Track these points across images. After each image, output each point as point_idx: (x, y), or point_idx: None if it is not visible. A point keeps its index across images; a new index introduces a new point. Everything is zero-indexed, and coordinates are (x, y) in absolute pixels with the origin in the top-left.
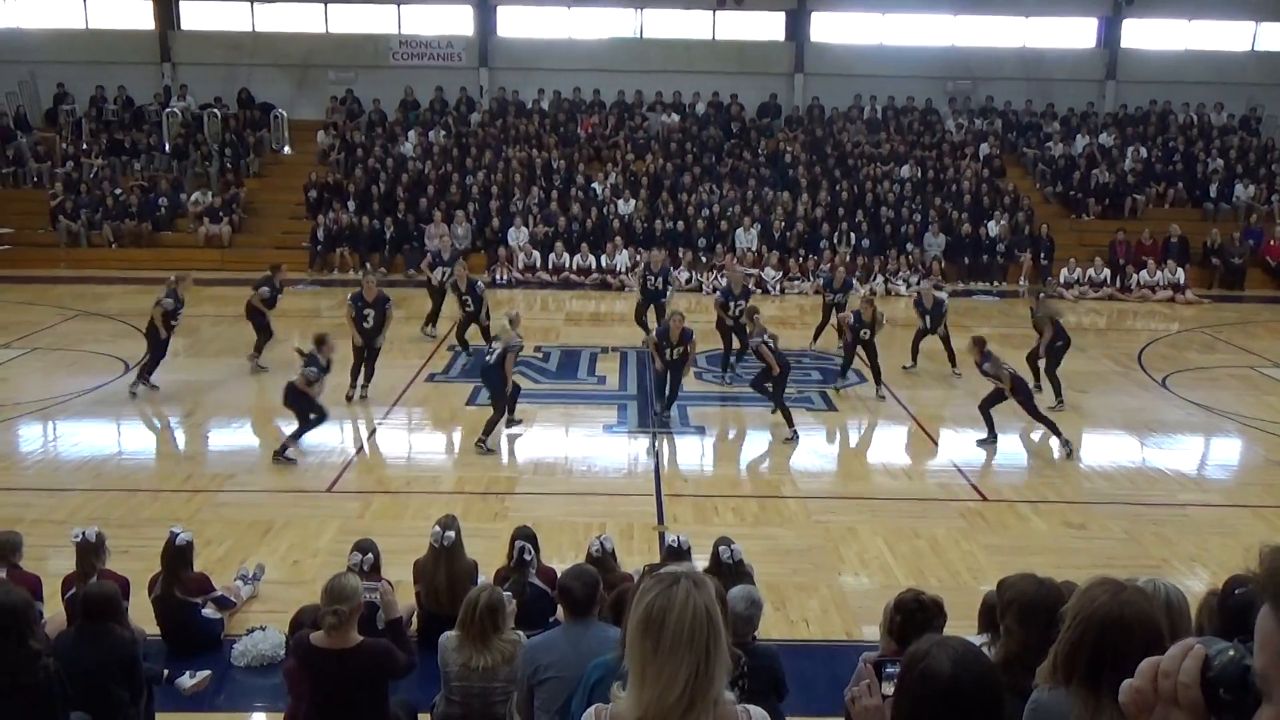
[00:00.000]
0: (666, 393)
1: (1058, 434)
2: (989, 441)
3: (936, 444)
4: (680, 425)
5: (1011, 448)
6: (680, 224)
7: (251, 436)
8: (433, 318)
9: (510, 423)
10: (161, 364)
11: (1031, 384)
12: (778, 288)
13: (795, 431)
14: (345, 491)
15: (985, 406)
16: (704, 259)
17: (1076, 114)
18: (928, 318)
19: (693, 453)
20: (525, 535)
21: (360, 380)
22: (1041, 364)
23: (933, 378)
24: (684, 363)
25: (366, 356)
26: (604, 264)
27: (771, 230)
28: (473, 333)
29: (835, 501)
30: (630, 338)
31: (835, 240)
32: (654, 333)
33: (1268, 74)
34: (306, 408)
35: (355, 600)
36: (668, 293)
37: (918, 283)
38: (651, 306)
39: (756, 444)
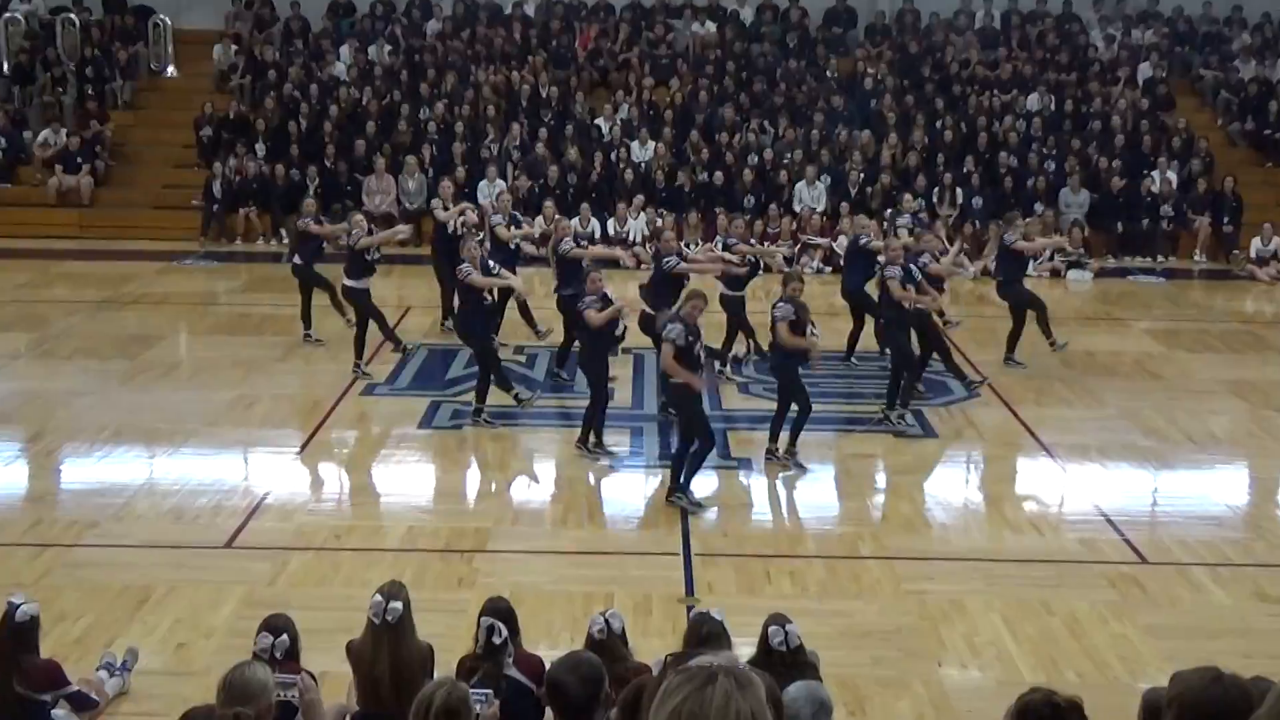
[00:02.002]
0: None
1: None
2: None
3: (1077, 484)
4: (718, 458)
5: (1180, 488)
6: (718, 175)
7: (122, 469)
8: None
9: (595, 445)
10: None
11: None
12: None
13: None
14: (250, 547)
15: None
16: (751, 225)
17: (1274, 22)
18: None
19: (735, 495)
20: (497, 610)
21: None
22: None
23: (1072, 390)
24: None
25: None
26: (612, 230)
27: (846, 184)
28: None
29: (934, 564)
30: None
31: (935, 198)
32: (669, 327)
33: None
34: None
35: (264, 699)
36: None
37: (1050, 256)
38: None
39: (823, 483)
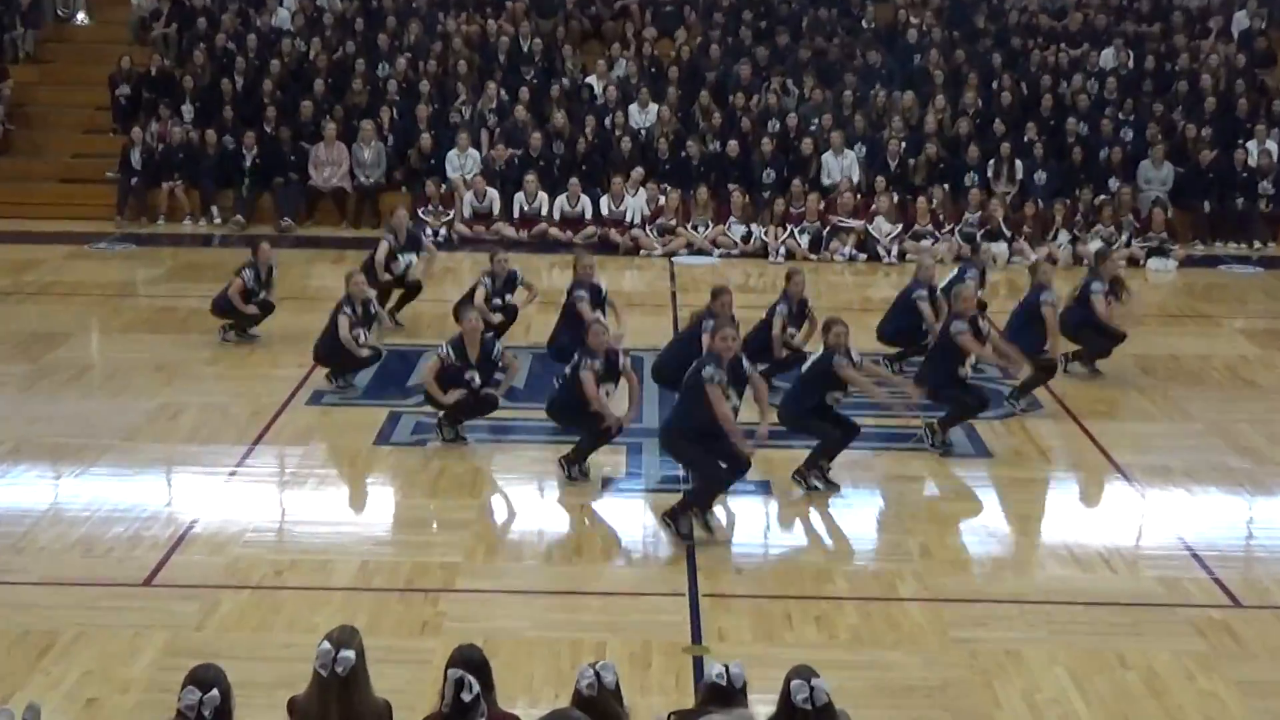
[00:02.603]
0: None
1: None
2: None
3: (1158, 513)
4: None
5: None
6: (732, 145)
7: (22, 492)
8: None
9: (572, 468)
10: None
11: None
12: (894, 250)
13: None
14: (174, 585)
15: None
16: (771, 204)
17: None
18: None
19: (752, 526)
20: (468, 661)
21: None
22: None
23: (1151, 400)
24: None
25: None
26: (606, 211)
27: (885, 155)
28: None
29: (987, 607)
30: (651, 333)
31: (991, 172)
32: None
33: None
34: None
35: None
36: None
37: (1127, 241)
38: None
39: (856, 511)
